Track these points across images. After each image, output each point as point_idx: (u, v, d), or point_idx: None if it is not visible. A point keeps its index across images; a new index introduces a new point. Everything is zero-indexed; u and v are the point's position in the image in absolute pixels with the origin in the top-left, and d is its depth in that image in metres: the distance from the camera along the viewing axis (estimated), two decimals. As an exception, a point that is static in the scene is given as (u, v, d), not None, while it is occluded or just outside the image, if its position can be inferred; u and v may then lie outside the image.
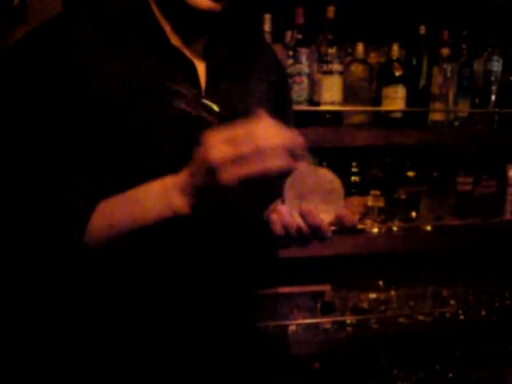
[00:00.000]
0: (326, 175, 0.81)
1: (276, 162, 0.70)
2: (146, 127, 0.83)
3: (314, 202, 0.80)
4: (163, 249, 0.86)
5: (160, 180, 0.78)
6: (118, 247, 0.82)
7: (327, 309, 1.74)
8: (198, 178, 0.73)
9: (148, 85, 0.84)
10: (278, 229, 0.81)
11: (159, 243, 0.84)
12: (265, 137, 0.69)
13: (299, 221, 0.79)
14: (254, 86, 0.97)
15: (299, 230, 0.79)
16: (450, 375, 1.85)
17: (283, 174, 0.75)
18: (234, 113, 0.87)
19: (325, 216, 0.80)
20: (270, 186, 0.81)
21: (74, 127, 0.80)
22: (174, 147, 0.84)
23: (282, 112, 0.98)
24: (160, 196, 0.77)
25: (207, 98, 0.88)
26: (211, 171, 0.70)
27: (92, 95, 0.81)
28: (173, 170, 0.78)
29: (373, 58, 1.78)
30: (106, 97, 0.81)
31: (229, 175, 0.70)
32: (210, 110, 0.84)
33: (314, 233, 0.80)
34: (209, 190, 0.74)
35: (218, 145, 0.70)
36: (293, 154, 0.71)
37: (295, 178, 0.79)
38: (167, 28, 0.89)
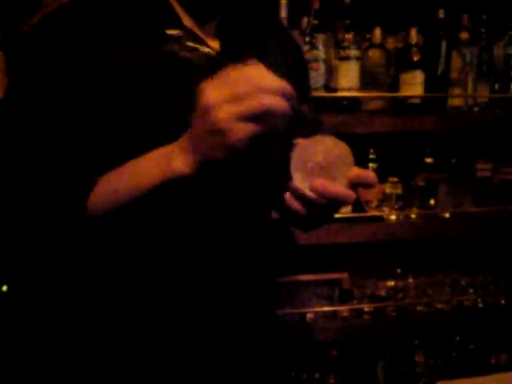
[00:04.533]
0: (329, 142, 0.78)
1: (275, 101, 0.66)
2: (157, 103, 0.83)
3: (323, 173, 0.77)
4: (171, 224, 0.84)
5: (161, 147, 0.75)
6: (122, 222, 0.80)
7: (345, 297, 1.74)
8: (197, 129, 0.69)
9: (159, 65, 0.84)
10: (296, 206, 0.79)
11: (165, 218, 0.82)
12: (262, 77, 0.67)
13: (314, 196, 0.76)
14: (271, 67, 0.96)
15: (316, 204, 0.77)
16: (469, 361, 1.84)
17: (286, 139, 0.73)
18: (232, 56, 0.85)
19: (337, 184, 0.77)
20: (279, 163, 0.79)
21: (81, 105, 0.81)
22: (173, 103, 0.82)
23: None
24: (161, 159, 0.74)
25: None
26: (207, 114, 0.66)
27: (104, 78, 0.81)
28: (173, 129, 0.74)
29: (390, 43, 1.76)
30: (119, 78, 0.81)
31: (226, 114, 0.65)
32: (204, 53, 0.82)
33: (335, 203, 0.78)
34: (209, 139, 0.68)
35: (214, 87, 0.67)
36: (289, 101, 0.68)
37: (298, 153, 0.77)
38: (179, 9, 0.88)
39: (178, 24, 0.87)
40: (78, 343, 0.88)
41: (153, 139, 0.77)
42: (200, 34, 0.89)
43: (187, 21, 0.89)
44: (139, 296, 0.87)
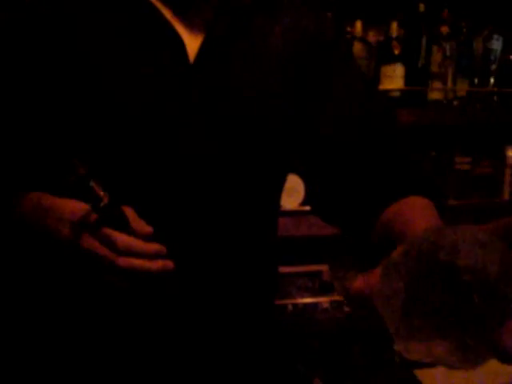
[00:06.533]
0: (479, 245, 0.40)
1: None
2: (117, 101, 0.81)
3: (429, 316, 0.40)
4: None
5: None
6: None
7: (325, 288, 1.75)
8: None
9: (129, 60, 0.82)
10: None
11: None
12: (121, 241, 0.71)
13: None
14: (269, 57, 0.88)
15: None
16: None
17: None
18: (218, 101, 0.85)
19: (443, 350, 0.41)
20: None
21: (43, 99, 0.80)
22: (145, 116, 0.82)
23: (325, 79, 0.91)
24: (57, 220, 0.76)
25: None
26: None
27: (71, 65, 0.80)
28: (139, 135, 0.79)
29: (371, 36, 1.77)
30: (86, 68, 0.80)
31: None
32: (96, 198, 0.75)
33: None
34: None
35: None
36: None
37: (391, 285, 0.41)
38: (157, 1, 0.84)
39: (157, 16, 0.83)
40: (76, 344, 0.85)
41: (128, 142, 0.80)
42: (179, 26, 0.84)
43: (166, 12, 0.84)
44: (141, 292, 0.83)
